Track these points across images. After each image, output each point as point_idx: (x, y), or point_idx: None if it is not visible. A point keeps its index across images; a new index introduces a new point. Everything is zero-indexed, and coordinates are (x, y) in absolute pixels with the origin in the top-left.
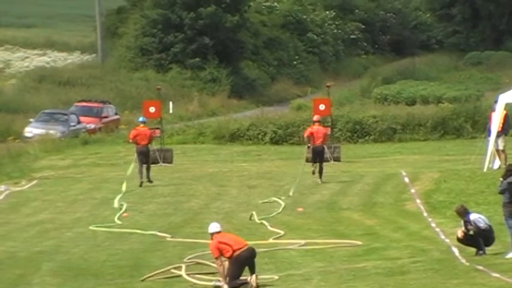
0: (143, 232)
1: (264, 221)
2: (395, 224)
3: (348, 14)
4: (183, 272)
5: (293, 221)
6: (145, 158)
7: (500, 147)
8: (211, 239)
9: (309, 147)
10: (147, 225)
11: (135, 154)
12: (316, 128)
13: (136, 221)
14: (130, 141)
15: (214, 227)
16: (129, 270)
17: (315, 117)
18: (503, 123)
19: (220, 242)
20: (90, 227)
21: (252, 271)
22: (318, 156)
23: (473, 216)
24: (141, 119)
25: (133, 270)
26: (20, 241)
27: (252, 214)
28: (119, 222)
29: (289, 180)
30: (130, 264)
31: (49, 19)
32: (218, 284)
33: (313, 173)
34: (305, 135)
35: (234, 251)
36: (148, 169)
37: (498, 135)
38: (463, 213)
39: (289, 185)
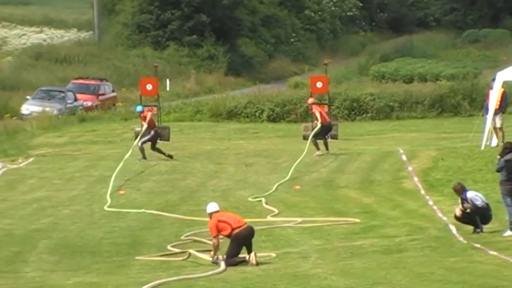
0: (169, 215)
1: (263, 199)
2: (393, 202)
3: None
4: (193, 252)
5: (290, 199)
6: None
7: (498, 125)
8: (210, 218)
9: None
10: (145, 203)
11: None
12: (320, 107)
13: (133, 199)
14: (143, 122)
15: (212, 206)
16: (126, 248)
17: (310, 100)
18: (501, 101)
19: (219, 221)
20: (106, 208)
21: (249, 250)
22: (328, 131)
23: (470, 194)
24: (140, 108)
25: (130, 248)
26: (16, 219)
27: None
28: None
29: (286, 158)
30: (128, 242)
31: None
32: (217, 261)
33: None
34: (315, 114)
35: (233, 229)
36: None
37: (496, 113)
38: (460, 190)
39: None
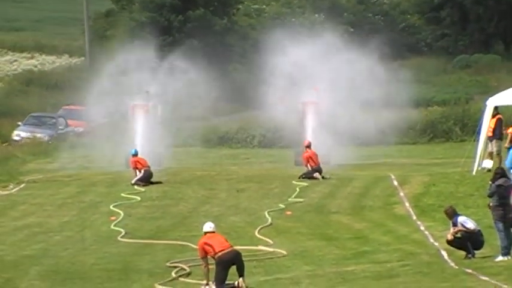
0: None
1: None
2: (384, 228)
3: (337, 17)
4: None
5: (282, 225)
6: (150, 178)
7: (494, 152)
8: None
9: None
10: (136, 228)
11: (140, 176)
12: (310, 151)
13: (124, 225)
14: (132, 168)
15: (207, 226)
16: (118, 274)
17: (306, 143)
18: (495, 128)
19: (205, 243)
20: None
21: (240, 273)
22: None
23: (461, 219)
24: (133, 151)
25: (121, 274)
26: (7, 245)
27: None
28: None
29: (278, 183)
30: (119, 267)
31: (38, 22)
32: (207, 287)
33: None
34: (304, 159)
35: (215, 253)
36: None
37: (490, 140)
38: (452, 214)
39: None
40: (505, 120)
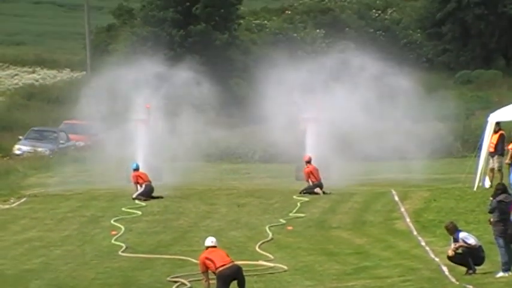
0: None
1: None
2: (385, 243)
3: (339, 32)
4: None
5: (283, 240)
6: (151, 192)
7: (496, 168)
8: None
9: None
10: (137, 243)
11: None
12: (311, 166)
13: (125, 239)
14: (133, 183)
15: (209, 241)
16: None
17: (306, 158)
18: (497, 144)
19: (206, 258)
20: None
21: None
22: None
23: (462, 235)
24: (134, 165)
25: None
26: (8, 259)
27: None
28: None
29: (278, 198)
30: (119, 282)
31: (39, 37)
32: None
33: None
34: (305, 174)
35: (216, 268)
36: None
37: (492, 156)
38: (453, 230)
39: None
40: (506, 136)
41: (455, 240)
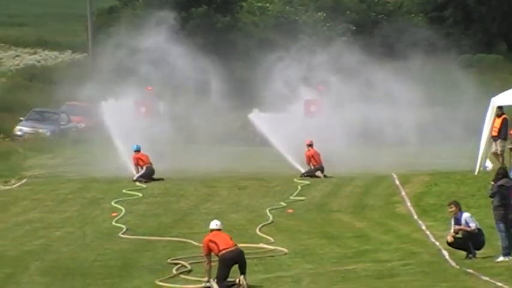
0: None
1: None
2: (386, 227)
3: (339, 15)
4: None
5: (283, 223)
6: (152, 174)
7: (498, 151)
8: None
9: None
10: (137, 225)
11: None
12: (312, 150)
13: (126, 221)
14: (134, 165)
15: (213, 224)
16: (118, 270)
17: (308, 141)
18: (500, 128)
19: (210, 240)
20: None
21: (242, 271)
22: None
23: (465, 215)
24: (135, 147)
25: (122, 271)
26: (8, 240)
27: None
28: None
29: (280, 181)
30: (119, 264)
31: (40, 18)
32: (208, 284)
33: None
34: (306, 157)
35: (219, 251)
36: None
37: (495, 140)
38: (458, 207)
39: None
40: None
41: (457, 221)
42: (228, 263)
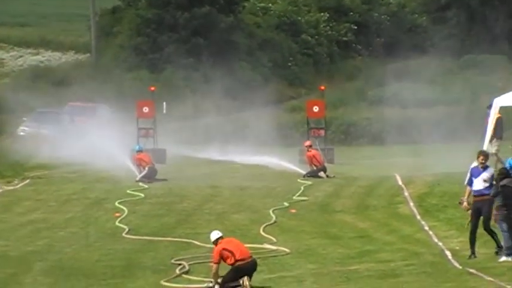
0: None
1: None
2: (388, 227)
3: (342, 16)
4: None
5: (286, 223)
6: (155, 175)
7: (493, 151)
8: (215, 245)
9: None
10: (140, 225)
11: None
12: (313, 150)
13: (129, 221)
14: (136, 164)
15: (216, 234)
16: (121, 271)
17: (307, 143)
18: (495, 128)
19: (224, 249)
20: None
21: (249, 275)
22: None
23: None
24: (137, 147)
25: (125, 271)
26: (12, 240)
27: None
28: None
29: (282, 182)
30: (123, 264)
31: (43, 18)
32: (210, 285)
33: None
34: (307, 158)
35: (236, 261)
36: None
37: (490, 140)
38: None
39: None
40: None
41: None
42: (241, 274)
